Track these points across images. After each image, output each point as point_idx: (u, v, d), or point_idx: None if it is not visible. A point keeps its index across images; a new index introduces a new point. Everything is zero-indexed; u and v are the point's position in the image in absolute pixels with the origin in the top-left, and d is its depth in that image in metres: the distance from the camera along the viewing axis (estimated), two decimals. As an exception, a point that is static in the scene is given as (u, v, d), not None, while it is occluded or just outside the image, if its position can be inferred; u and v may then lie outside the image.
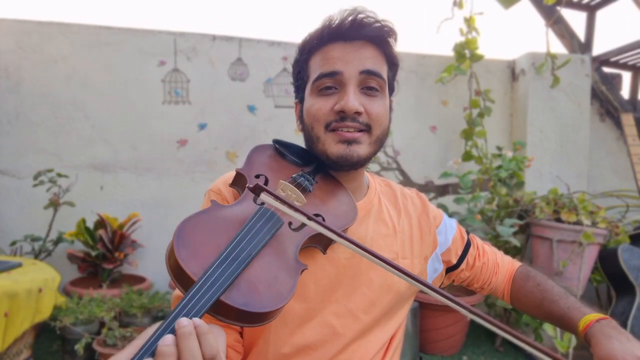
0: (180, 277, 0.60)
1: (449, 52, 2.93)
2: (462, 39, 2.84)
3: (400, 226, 0.92)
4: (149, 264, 2.69)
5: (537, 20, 3.07)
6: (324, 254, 0.78)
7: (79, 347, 1.99)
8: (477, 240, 1.04)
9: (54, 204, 2.43)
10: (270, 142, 0.90)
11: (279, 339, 0.81)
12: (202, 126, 2.77)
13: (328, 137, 0.80)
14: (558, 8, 2.91)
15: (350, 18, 0.79)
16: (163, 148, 2.73)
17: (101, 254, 2.45)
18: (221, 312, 0.58)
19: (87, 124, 2.64)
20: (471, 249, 1.00)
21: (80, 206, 2.54)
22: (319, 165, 0.87)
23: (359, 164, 0.81)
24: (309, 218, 0.68)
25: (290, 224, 0.73)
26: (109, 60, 2.65)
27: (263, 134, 2.83)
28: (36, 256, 2.44)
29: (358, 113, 0.78)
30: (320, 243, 0.77)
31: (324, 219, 0.76)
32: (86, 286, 2.39)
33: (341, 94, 0.79)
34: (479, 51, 2.83)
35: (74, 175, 2.58)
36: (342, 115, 0.78)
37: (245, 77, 2.81)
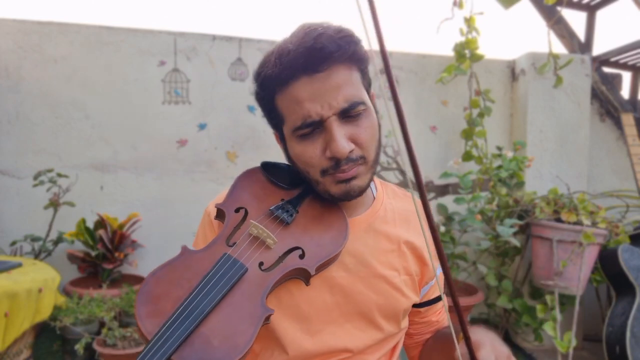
0: (140, 332, 0.61)
1: (449, 52, 2.93)
2: (462, 39, 2.84)
3: (407, 241, 0.86)
4: (149, 264, 2.69)
5: (537, 20, 3.07)
6: (307, 285, 0.76)
7: (79, 347, 1.99)
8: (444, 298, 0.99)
9: (54, 204, 2.43)
10: (259, 165, 0.87)
11: (278, 357, 0.80)
12: (202, 126, 2.77)
13: (327, 180, 0.76)
14: (558, 8, 2.91)
15: (306, 49, 0.69)
16: (163, 148, 2.73)
17: (101, 254, 2.45)
18: None
19: (87, 124, 2.64)
20: (438, 303, 0.96)
21: (80, 206, 2.54)
22: (308, 188, 0.83)
23: (362, 194, 0.79)
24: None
25: (261, 264, 0.71)
26: (109, 60, 2.65)
27: (263, 134, 2.84)
28: (36, 256, 2.44)
29: (350, 151, 0.73)
30: (301, 275, 0.75)
31: (303, 252, 0.74)
32: (86, 286, 2.38)
33: (326, 135, 0.73)
34: (479, 51, 2.83)
35: (74, 175, 2.58)
36: (336, 161, 0.73)
37: (245, 77, 2.81)
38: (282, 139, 0.82)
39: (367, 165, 0.77)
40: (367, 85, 0.80)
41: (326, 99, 0.71)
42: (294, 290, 0.79)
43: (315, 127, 0.74)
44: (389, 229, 0.86)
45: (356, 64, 0.75)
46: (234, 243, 0.73)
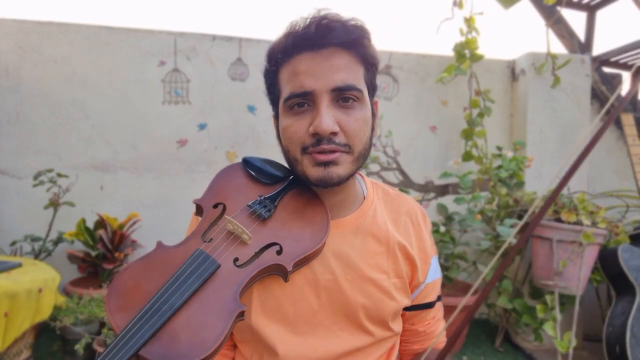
0: (111, 326, 0.62)
1: (449, 52, 2.93)
2: (462, 39, 2.84)
3: (396, 243, 0.85)
4: (149, 264, 2.69)
5: (537, 20, 3.07)
6: (285, 281, 0.75)
7: (79, 347, 1.99)
8: (440, 311, 0.96)
9: (54, 204, 2.43)
10: (240, 161, 0.87)
11: None
12: (202, 126, 2.77)
13: (305, 159, 0.75)
14: (558, 8, 2.91)
15: (314, 24, 0.72)
16: (163, 148, 2.73)
17: (101, 254, 2.45)
18: None
19: (87, 124, 2.64)
20: (428, 312, 0.92)
21: (80, 206, 2.54)
22: (291, 183, 0.82)
23: (341, 183, 0.76)
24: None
25: (235, 260, 0.70)
26: (109, 60, 2.65)
27: (263, 134, 2.84)
28: (36, 256, 2.44)
29: (333, 133, 0.72)
30: (279, 271, 0.74)
31: (281, 248, 0.73)
32: (86, 286, 2.38)
33: (314, 111, 0.73)
34: (479, 51, 2.83)
35: (74, 175, 2.58)
36: (318, 138, 0.72)
37: (245, 77, 2.81)
38: (276, 116, 0.82)
39: (352, 155, 0.75)
40: (372, 88, 0.80)
41: (323, 74, 0.72)
42: (278, 292, 0.79)
43: (306, 101, 0.74)
44: (378, 230, 0.84)
45: (361, 57, 0.76)
46: (210, 239, 0.73)
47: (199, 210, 0.80)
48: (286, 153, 0.79)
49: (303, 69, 0.73)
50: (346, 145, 0.74)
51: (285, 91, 0.76)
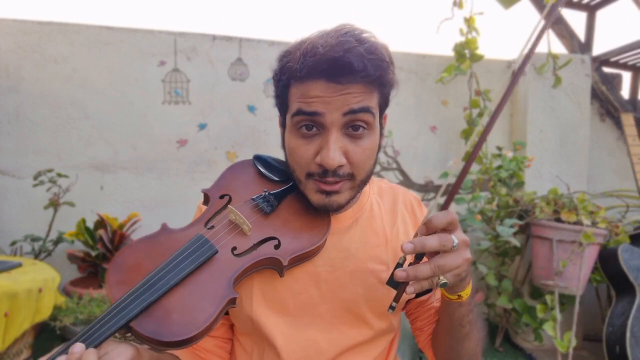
0: (110, 299, 0.65)
1: (449, 52, 2.93)
2: (462, 39, 2.84)
3: (393, 235, 0.86)
4: (149, 264, 2.69)
5: (537, 20, 3.07)
6: (281, 276, 0.76)
7: (79, 347, 1.99)
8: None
9: (54, 204, 2.43)
10: (251, 158, 0.89)
11: (269, 354, 0.81)
12: (202, 126, 2.77)
13: (309, 184, 0.76)
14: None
15: (333, 59, 0.68)
16: (163, 148, 2.73)
17: (101, 254, 2.45)
18: (137, 336, 0.62)
19: (87, 124, 2.64)
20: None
21: (80, 206, 2.54)
22: (295, 184, 0.83)
23: (340, 209, 0.79)
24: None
25: (233, 249, 0.73)
26: (109, 60, 2.65)
27: (263, 134, 2.84)
28: (36, 256, 2.44)
29: (340, 166, 0.72)
30: (274, 265, 0.75)
31: (279, 242, 0.75)
32: (86, 286, 2.38)
33: (322, 139, 0.72)
34: (479, 51, 2.83)
35: (74, 175, 2.58)
36: (323, 170, 0.73)
37: (245, 77, 2.81)
38: (283, 124, 0.83)
39: (354, 183, 0.77)
40: (384, 104, 0.80)
41: (336, 105, 0.71)
42: (279, 284, 0.80)
43: (315, 125, 0.73)
44: (375, 223, 0.86)
45: (378, 88, 0.75)
46: (212, 226, 0.76)
47: (206, 200, 0.83)
48: (291, 169, 0.79)
49: (316, 94, 0.71)
50: (350, 174, 0.75)
51: (294, 107, 0.74)
